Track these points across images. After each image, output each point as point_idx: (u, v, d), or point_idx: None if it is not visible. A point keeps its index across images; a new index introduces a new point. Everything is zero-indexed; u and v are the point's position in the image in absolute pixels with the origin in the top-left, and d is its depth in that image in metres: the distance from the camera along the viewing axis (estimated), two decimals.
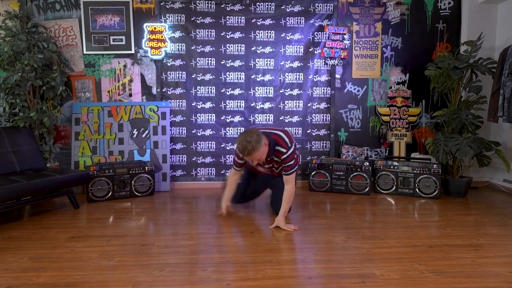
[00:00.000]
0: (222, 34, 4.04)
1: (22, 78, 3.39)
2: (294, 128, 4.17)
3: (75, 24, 3.92)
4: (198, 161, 4.13)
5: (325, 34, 4.08)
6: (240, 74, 4.10)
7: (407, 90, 4.18)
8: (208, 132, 4.11)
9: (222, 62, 4.07)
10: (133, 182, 3.65)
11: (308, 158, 4.12)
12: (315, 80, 4.16)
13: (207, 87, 4.09)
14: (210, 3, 4.00)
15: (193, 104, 4.08)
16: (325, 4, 4.08)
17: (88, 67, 3.98)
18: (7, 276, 1.93)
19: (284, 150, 2.60)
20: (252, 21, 4.05)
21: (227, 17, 4.03)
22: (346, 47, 4.10)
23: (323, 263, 2.07)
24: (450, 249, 2.27)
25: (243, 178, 3.02)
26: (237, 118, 4.12)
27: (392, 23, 4.17)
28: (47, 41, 3.66)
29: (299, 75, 4.15)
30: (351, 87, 4.20)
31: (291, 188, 2.65)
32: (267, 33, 4.07)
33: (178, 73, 4.05)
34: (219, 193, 3.81)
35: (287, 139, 2.63)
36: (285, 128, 3.02)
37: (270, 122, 4.15)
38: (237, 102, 4.12)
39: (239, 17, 4.04)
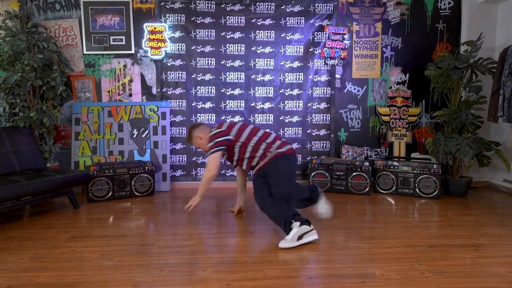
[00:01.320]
0: (222, 34, 4.04)
1: (22, 78, 3.39)
2: (294, 128, 4.17)
3: (75, 24, 3.92)
4: (198, 161, 4.13)
5: (325, 34, 4.08)
6: (240, 74, 4.10)
7: (407, 90, 4.18)
8: None
9: (222, 62, 4.07)
10: (133, 182, 3.65)
11: (308, 158, 4.12)
12: (315, 80, 4.16)
13: (207, 87, 4.09)
14: (210, 3, 4.00)
15: (193, 104, 4.08)
16: (325, 4, 4.08)
17: (88, 67, 3.98)
18: (7, 276, 1.93)
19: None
20: (252, 21, 4.05)
21: (227, 17, 4.03)
22: (346, 47, 4.10)
23: (323, 263, 2.07)
24: (450, 249, 2.27)
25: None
26: (237, 118, 4.12)
27: (392, 23, 4.18)
28: (47, 41, 3.66)
29: (299, 75, 4.15)
30: (351, 87, 4.20)
31: (207, 172, 2.65)
32: (267, 33, 4.07)
33: (178, 73, 4.05)
34: (219, 193, 3.82)
35: (214, 130, 2.71)
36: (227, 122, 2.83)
37: (270, 122, 4.15)
38: (237, 102, 4.12)
39: (239, 17, 4.04)
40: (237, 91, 4.11)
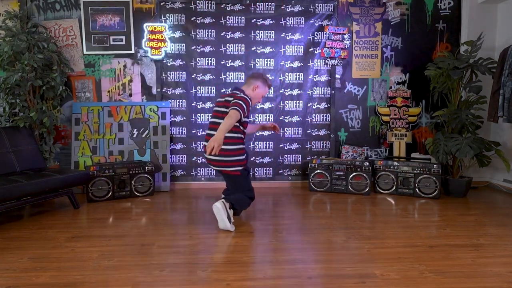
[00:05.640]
0: (222, 34, 4.04)
1: (22, 78, 3.39)
2: (294, 128, 4.17)
3: (75, 24, 3.92)
4: (198, 161, 4.13)
5: (325, 34, 4.08)
6: (240, 74, 4.10)
7: (407, 90, 4.18)
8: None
9: (222, 62, 4.07)
10: (133, 182, 3.65)
11: (308, 158, 4.12)
12: (315, 80, 4.16)
13: (207, 87, 4.09)
14: (210, 3, 4.00)
15: (193, 104, 4.08)
16: (325, 4, 4.08)
17: (88, 67, 3.98)
18: (7, 276, 1.93)
19: (238, 92, 2.80)
20: (252, 21, 4.05)
21: (227, 17, 4.03)
22: (346, 47, 4.09)
23: (323, 263, 2.07)
24: (450, 249, 2.27)
25: None
26: None
27: (392, 23, 4.17)
28: (47, 41, 3.66)
29: (299, 75, 4.15)
30: (351, 87, 4.20)
31: (229, 120, 2.51)
32: (267, 33, 4.07)
33: (178, 73, 4.05)
34: (219, 193, 3.82)
35: (244, 92, 2.86)
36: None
37: (270, 122, 4.14)
38: None
39: (239, 17, 4.04)
40: None
